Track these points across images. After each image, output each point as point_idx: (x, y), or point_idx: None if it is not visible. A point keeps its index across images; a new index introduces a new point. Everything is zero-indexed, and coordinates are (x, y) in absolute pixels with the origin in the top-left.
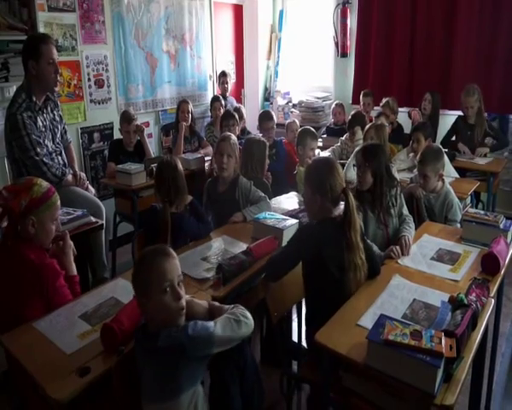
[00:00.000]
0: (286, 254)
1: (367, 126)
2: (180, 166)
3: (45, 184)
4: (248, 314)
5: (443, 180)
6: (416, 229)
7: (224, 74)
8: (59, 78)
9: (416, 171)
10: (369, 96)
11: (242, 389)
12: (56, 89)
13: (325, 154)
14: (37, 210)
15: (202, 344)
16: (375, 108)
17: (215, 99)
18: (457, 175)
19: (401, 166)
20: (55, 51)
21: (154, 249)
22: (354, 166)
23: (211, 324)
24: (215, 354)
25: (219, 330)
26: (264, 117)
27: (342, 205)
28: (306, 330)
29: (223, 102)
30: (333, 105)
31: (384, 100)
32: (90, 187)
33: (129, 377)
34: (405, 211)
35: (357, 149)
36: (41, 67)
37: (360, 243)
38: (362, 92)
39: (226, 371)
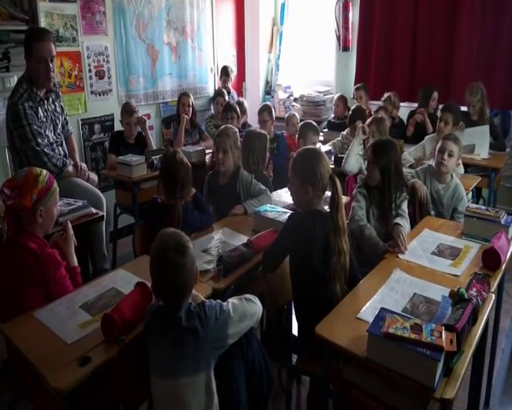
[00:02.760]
0: (278, 244)
1: (368, 121)
2: (186, 159)
3: (45, 171)
4: (255, 297)
5: (452, 174)
6: (417, 223)
7: (226, 74)
8: (53, 74)
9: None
10: (360, 90)
11: (251, 379)
12: (50, 86)
13: (326, 148)
14: (44, 199)
15: (219, 319)
16: (374, 102)
17: (219, 94)
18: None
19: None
20: (48, 48)
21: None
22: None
23: (224, 303)
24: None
25: (232, 306)
26: (261, 109)
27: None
28: (298, 326)
29: (226, 98)
30: (335, 97)
31: (386, 95)
32: (92, 175)
33: (131, 366)
34: (401, 211)
35: (354, 138)
36: (31, 64)
37: (346, 229)
38: (354, 87)
39: (234, 362)
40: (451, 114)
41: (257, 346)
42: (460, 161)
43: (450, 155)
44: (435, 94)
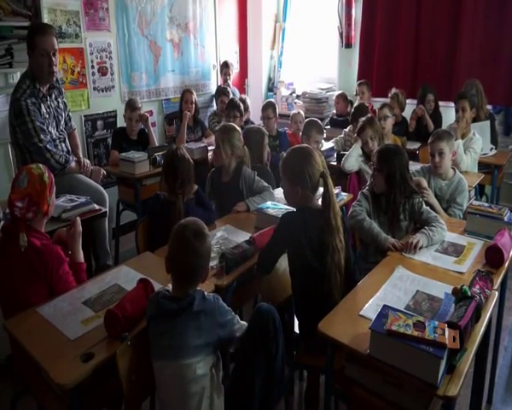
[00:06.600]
0: (271, 245)
1: (360, 122)
2: (188, 155)
3: (40, 165)
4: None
5: (454, 169)
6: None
7: (226, 65)
8: (55, 68)
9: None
10: (363, 85)
11: (267, 376)
12: (53, 80)
13: (329, 145)
14: (53, 194)
15: (228, 315)
16: (376, 99)
17: (223, 92)
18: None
19: None
20: (51, 42)
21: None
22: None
23: None
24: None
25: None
26: (265, 106)
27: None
28: (298, 322)
29: (230, 96)
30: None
31: (393, 90)
32: (96, 168)
33: (134, 361)
34: (428, 217)
35: (355, 142)
36: (34, 58)
37: (340, 227)
38: (357, 82)
39: (254, 355)
40: (467, 99)
41: (280, 355)
42: (459, 153)
43: (440, 154)
44: (430, 96)
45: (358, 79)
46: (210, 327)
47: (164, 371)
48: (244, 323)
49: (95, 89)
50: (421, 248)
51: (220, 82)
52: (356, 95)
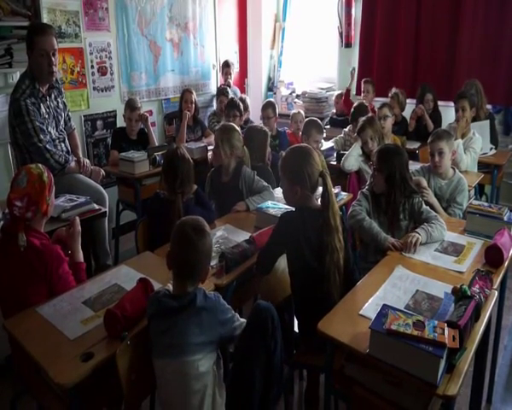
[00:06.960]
0: (270, 245)
1: (360, 121)
2: (188, 155)
3: (40, 165)
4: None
5: (454, 169)
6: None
7: (227, 65)
8: (55, 68)
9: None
10: (368, 84)
11: (266, 373)
12: (53, 80)
13: (328, 144)
14: (52, 194)
15: (228, 313)
16: (378, 98)
17: (222, 92)
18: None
19: None
20: (50, 42)
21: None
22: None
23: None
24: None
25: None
26: (265, 105)
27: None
28: (297, 321)
29: (230, 96)
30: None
31: (393, 90)
32: (96, 168)
33: (134, 361)
34: (427, 216)
35: (355, 142)
36: (34, 58)
37: (339, 226)
38: (363, 80)
39: (253, 351)
40: (467, 98)
41: (279, 352)
42: (459, 152)
43: (440, 154)
44: (428, 96)
45: (358, 78)
46: (211, 325)
47: (166, 370)
48: (244, 320)
49: (94, 89)
50: (420, 243)
51: (221, 81)
52: (356, 94)
